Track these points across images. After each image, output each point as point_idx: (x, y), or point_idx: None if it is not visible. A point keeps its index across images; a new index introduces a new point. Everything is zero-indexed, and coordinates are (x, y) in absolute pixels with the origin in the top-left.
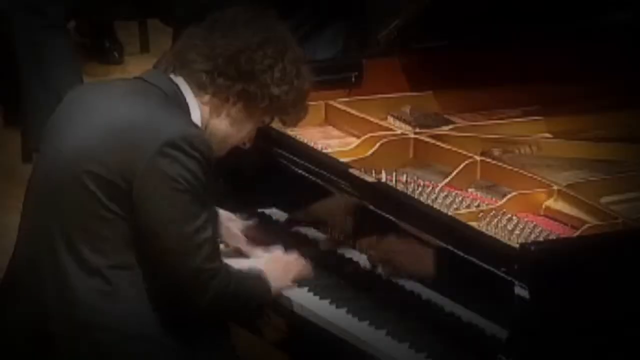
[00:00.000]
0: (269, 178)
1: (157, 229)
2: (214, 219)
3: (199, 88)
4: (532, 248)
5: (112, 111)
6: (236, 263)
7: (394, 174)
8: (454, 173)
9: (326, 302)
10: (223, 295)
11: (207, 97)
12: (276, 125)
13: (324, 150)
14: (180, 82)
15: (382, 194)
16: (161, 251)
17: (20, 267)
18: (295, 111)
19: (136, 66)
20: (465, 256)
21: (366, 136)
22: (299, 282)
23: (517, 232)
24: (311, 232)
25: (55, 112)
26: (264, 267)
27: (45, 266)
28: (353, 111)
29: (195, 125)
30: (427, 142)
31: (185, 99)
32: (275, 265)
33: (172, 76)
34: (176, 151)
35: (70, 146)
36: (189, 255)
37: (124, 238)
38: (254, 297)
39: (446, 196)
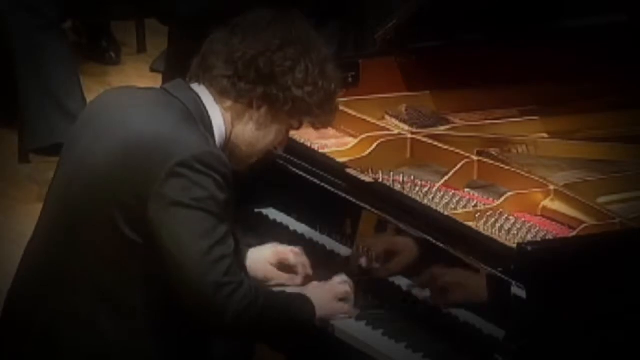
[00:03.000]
0: (266, 178)
1: (172, 248)
2: (235, 234)
3: (221, 94)
4: (529, 248)
5: (129, 128)
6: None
7: (391, 173)
8: (451, 173)
9: None
10: (249, 310)
11: (229, 103)
12: None
13: (321, 150)
14: (202, 90)
15: (379, 193)
16: (178, 271)
17: (25, 287)
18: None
19: (133, 66)
20: (462, 256)
21: (363, 136)
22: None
23: (514, 232)
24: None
25: (77, 122)
26: (308, 291)
27: (55, 289)
28: (350, 111)
29: (212, 143)
30: (424, 142)
31: (206, 109)
32: (319, 290)
33: (194, 85)
34: (189, 171)
35: (87, 164)
36: (205, 271)
37: (142, 264)
38: (293, 317)
39: (443, 196)
